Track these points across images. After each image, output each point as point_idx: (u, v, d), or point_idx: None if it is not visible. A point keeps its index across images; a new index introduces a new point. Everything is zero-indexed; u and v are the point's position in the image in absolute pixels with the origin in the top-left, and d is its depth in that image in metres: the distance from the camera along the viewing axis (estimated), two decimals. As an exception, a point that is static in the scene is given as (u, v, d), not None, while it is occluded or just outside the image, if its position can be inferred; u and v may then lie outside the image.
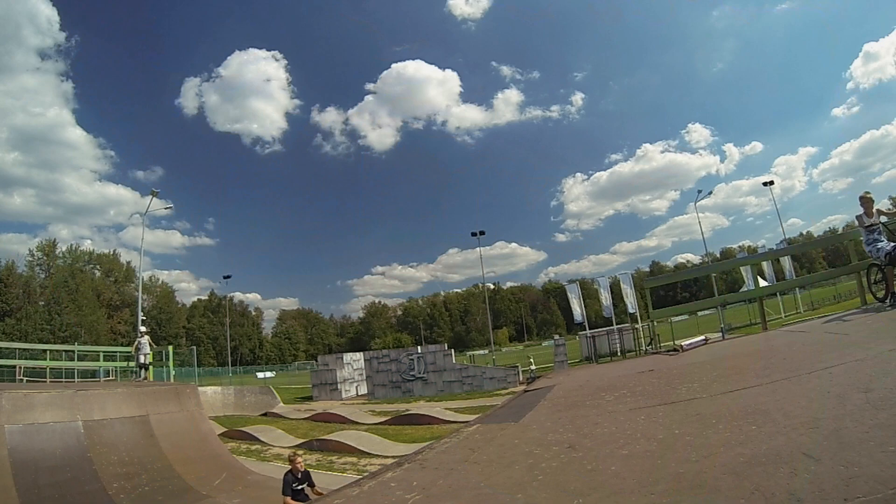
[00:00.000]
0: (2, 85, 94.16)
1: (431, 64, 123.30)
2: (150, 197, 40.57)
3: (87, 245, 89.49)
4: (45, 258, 77.79)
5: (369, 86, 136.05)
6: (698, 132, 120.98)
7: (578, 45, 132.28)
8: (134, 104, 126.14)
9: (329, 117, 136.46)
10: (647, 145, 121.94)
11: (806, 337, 6.91)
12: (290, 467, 7.91)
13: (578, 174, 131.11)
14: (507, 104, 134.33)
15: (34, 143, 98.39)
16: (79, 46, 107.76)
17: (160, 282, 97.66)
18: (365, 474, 4.61)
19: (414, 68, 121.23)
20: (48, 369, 27.77)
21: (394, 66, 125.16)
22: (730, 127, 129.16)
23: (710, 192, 63.86)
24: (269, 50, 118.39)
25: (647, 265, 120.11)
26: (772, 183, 56.35)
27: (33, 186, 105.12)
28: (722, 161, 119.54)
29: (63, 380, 27.37)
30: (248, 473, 8.58)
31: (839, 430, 2.46)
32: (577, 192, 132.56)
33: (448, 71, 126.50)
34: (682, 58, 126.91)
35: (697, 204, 52.96)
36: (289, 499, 7.58)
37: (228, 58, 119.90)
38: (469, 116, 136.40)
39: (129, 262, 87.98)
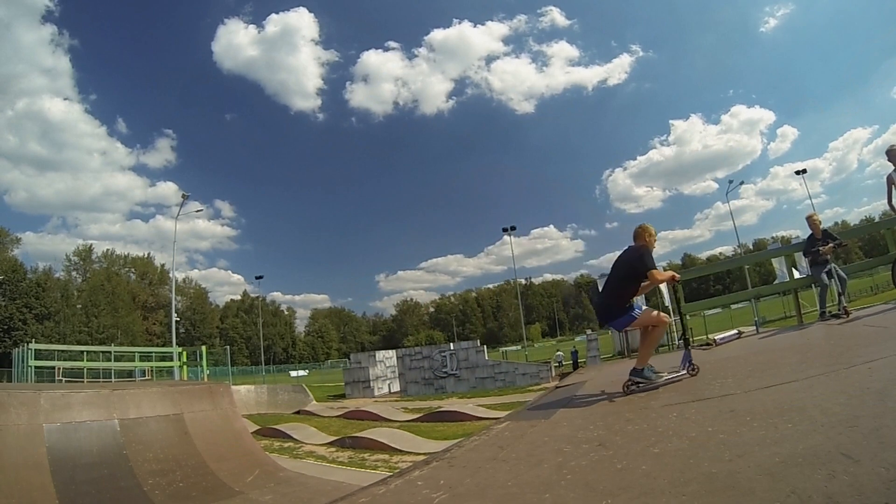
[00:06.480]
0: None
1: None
2: (182, 199, 41.66)
3: (119, 244, 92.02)
4: (81, 263, 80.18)
5: (416, 50, 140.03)
6: (749, 114, 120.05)
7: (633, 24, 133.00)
8: (166, 104, 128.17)
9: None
10: (695, 127, 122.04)
11: (843, 330, 6.71)
12: None
13: (626, 161, 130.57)
14: (562, 69, 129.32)
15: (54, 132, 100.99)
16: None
17: (194, 283, 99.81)
18: (395, 472, 4.63)
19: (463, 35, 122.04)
20: (86, 370, 28.64)
21: (439, 31, 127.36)
22: (787, 111, 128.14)
23: (742, 183, 62.02)
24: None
25: (694, 253, 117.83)
26: (804, 171, 54.87)
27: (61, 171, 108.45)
28: (769, 143, 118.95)
29: (100, 380, 28.23)
30: (281, 470, 8.66)
31: (879, 429, 2.37)
32: (621, 179, 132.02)
33: (507, 58, 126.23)
34: (736, 40, 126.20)
35: (740, 189, 52.55)
36: None
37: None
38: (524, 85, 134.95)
39: (163, 265, 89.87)
